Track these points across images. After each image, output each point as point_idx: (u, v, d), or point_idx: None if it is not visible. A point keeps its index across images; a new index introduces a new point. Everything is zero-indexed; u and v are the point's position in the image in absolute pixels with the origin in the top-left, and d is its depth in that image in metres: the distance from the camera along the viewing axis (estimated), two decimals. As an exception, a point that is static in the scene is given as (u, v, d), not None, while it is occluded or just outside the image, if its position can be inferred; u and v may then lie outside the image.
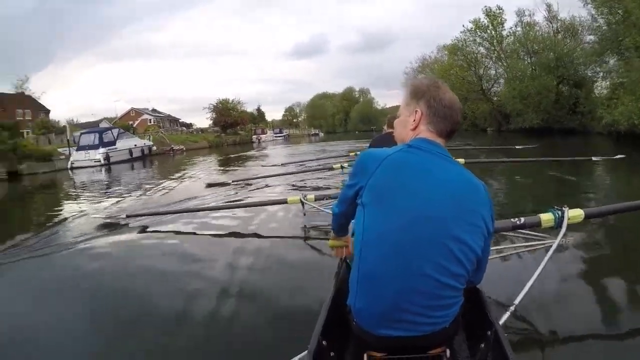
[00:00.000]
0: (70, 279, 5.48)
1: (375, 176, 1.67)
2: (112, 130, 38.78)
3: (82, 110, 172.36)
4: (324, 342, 1.74)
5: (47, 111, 57.64)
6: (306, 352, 1.68)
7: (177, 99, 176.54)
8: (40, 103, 57.96)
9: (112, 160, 33.29)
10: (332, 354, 1.78)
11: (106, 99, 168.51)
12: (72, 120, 60.30)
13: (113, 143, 35.55)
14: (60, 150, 36.03)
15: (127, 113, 76.15)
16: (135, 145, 39.26)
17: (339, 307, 1.91)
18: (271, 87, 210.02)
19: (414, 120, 1.80)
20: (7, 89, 55.77)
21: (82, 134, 37.87)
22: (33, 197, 19.40)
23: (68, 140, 37.86)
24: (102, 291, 4.91)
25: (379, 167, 1.67)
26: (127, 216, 8.76)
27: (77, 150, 34.37)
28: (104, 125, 47.70)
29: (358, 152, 13.57)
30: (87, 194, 16.40)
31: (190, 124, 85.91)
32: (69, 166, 31.88)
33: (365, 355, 1.66)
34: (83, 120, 65.32)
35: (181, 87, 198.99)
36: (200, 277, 5.05)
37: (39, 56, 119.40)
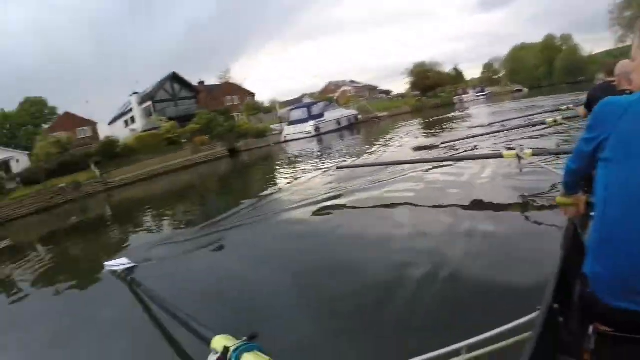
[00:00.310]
0: (281, 243, 6.03)
1: (619, 127, 1.49)
2: (319, 103, 39.85)
3: (281, 90, 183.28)
4: (554, 306, 1.64)
5: (252, 95, 61.54)
6: (536, 313, 1.62)
7: (371, 68, 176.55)
8: (244, 88, 62.03)
9: (321, 131, 33.81)
10: (560, 319, 1.66)
11: (303, 76, 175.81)
12: (275, 99, 64.33)
13: (321, 115, 36.22)
14: (272, 126, 38.31)
15: (327, 87, 77.70)
16: (342, 115, 39.59)
17: (567, 272, 1.85)
18: (463, 44, 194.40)
19: None
20: (214, 81, 62.01)
21: (291, 109, 39.73)
22: (251, 170, 20.71)
23: (279, 118, 40.14)
24: (310, 255, 5.17)
25: (623, 116, 1.49)
26: (337, 167, 9.57)
27: (288, 125, 36.26)
28: (306, 101, 49.70)
29: (571, 106, 13.10)
30: (300, 163, 17.31)
31: (388, 90, 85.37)
32: (282, 140, 33.87)
33: (591, 328, 1.50)
34: (284, 99, 68.95)
35: (374, 56, 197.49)
36: (412, 235, 5.05)
37: (234, 48, 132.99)
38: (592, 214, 1.61)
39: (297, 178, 11.95)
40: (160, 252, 6.66)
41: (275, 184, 12.12)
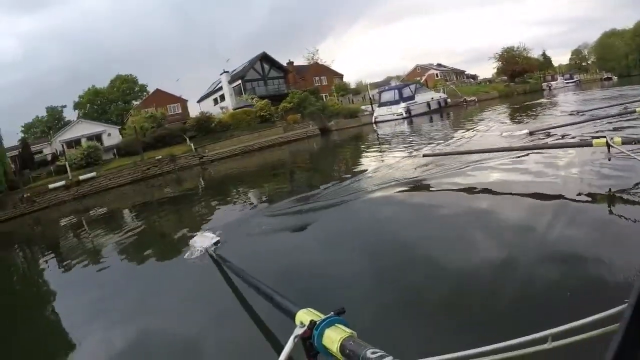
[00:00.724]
0: (366, 223, 5.94)
1: None
2: (410, 86, 38.73)
3: (367, 72, 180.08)
4: None
5: (340, 76, 61.47)
6: (624, 305, 1.35)
7: (457, 52, 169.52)
8: (332, 69, 60.94)
9: (412, 113, 32.95)
10: None
11: (389, 58, 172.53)
12: (362, 81, 63.88)
13: (412, 97, 35.32)
14: (363, 107, 38.11)
15: (413, 70, 75.68)
16: (432, 98, 38.48)
17: None
18: (551, 28, 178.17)
19: None
20: (300, 61, 61.60)
21: (381, 91, 39.02)
22: (342, 149, 20.34)
23: (371, 99, 39.87)
24: (393, 236, 5.10)
25: None
26: (424, 155, 9.49)
27: (379, 106, 35.78)
28: (393, 83, 48.96)
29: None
30: (390, 144, 17.09)
31: (475, 75, 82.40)
32: (373, 120, 33.51)
33: None
34: (370, 80, 66.94)
35: (459, 39, 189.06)
36: (495, 222, 4.86)
37: (319, 29, 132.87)
38: None
39: (386, 159, 11.96)
40: (245, 228, 6.78)
41: (364, 164, 12.03)
